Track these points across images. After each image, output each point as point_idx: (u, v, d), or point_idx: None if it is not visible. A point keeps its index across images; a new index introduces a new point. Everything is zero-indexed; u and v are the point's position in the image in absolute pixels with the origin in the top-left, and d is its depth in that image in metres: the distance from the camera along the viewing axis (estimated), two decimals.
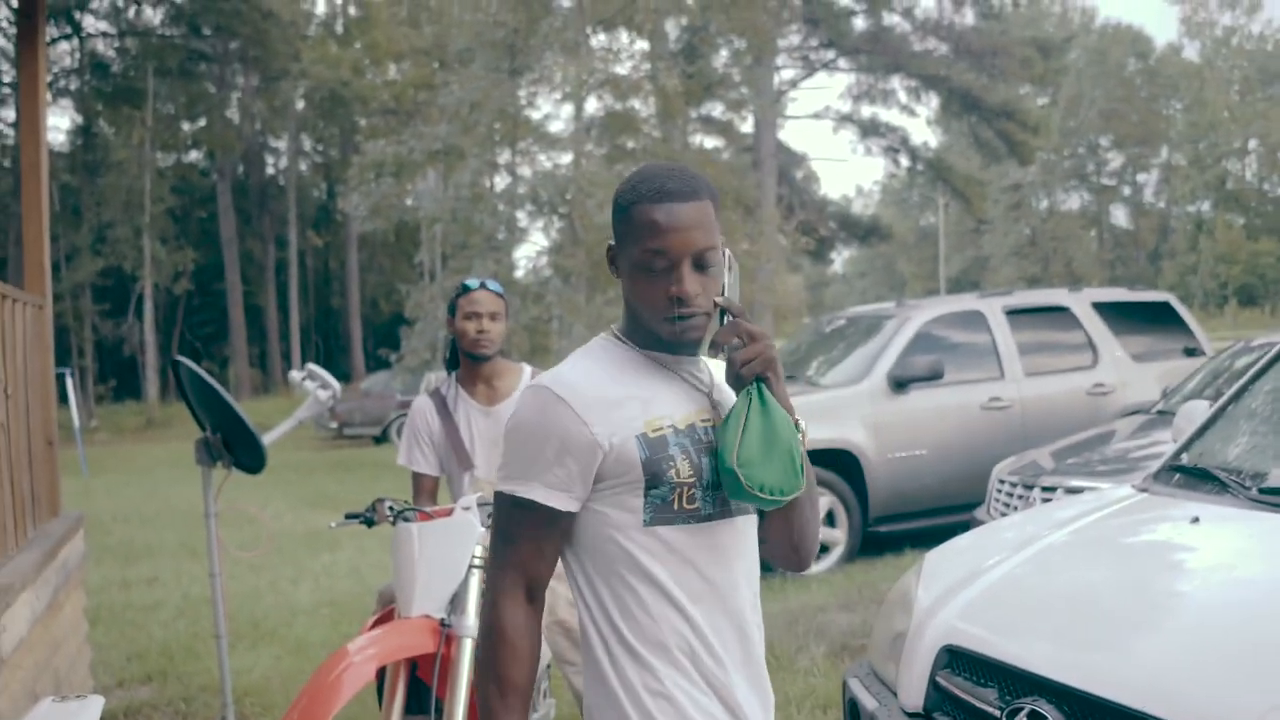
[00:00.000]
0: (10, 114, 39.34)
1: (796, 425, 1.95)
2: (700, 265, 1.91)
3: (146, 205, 37.84)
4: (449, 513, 3.61)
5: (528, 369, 4.40)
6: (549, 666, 4.41)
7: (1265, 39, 72.66)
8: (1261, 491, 3.20)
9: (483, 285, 4.23)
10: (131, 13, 42.96)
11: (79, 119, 42.89)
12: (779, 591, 7.75)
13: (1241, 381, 4.03)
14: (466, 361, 4.29)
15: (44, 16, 5.64)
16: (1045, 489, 6.43)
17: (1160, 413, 7.83)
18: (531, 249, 23.49)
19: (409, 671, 3.47)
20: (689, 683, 1.90)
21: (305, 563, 9.98)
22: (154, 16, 43.58)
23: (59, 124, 45.13)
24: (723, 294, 1.96)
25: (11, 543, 4.35)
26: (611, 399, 1.91)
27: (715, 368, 2.06)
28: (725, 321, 1.94)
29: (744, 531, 2.01)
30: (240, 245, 42.93)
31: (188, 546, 11.02)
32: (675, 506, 1.90)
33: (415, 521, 3.57)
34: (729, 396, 1.98)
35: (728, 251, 1.99)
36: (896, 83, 35.68)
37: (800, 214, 30.23)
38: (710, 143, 33.15)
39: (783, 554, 2.11)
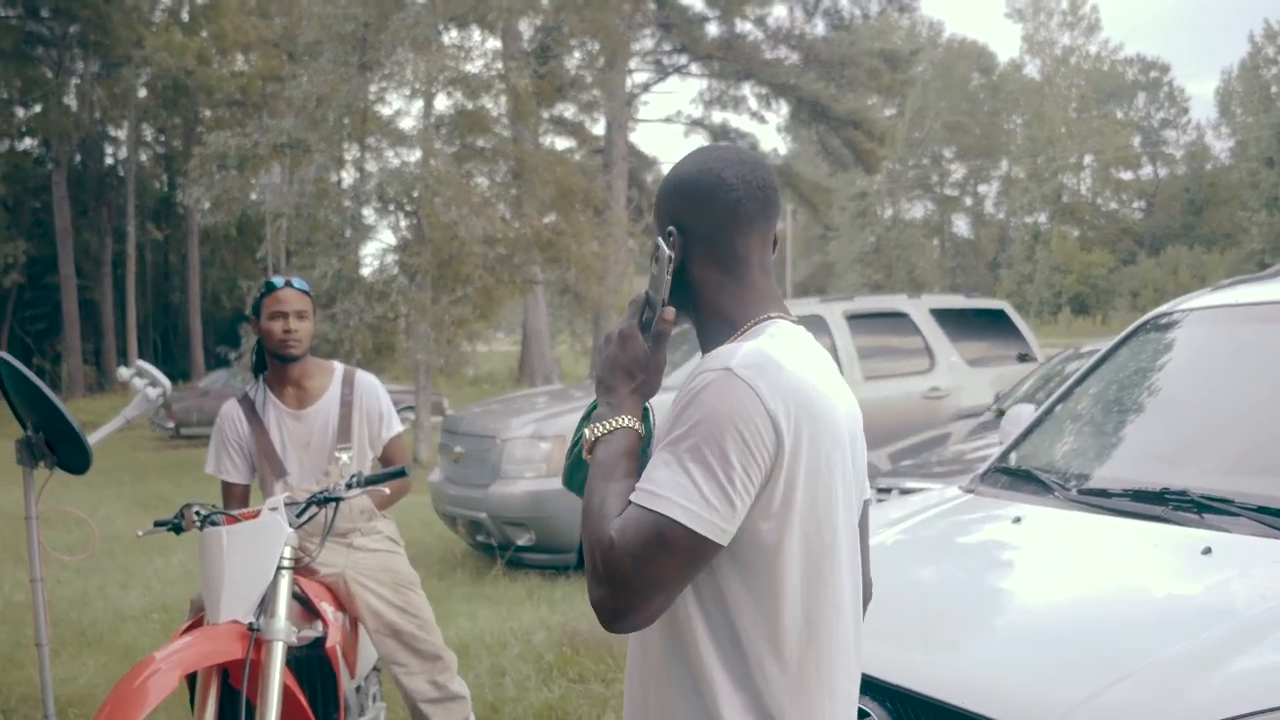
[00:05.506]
0: None
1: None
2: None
3: None
4: (257, 515, 3.51)
5: (339, 367, 4.27)
6: (378, 670, 4.32)
7: (1102, 59, 75.35)
8: (1081, 493, 3.28)
9: (288, 283, 4.09)
10: None
11: None
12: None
13: (1066, 386, 4.13)
14: (274, 363, 4.13)
15: None
16: (881, 490, 6.52)
17: (994, 415, 8.04)
18: (378, 247, 23.14)
19: (220, 678, 3.37)
20: None
21: (136, 567, 9.63)
22: None
23: None
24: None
25: None
26: None
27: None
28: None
29: None
30: (76, 237, 41.48)
31: (11, 550, 10.53)
32: None
33: (223, 526, 3.46)
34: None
35: (659, 242, 1.84)
36: (747, 90, 35.98)
37: (649, 217, 30.38)
38: (562, 144, 33.14)
39: None
